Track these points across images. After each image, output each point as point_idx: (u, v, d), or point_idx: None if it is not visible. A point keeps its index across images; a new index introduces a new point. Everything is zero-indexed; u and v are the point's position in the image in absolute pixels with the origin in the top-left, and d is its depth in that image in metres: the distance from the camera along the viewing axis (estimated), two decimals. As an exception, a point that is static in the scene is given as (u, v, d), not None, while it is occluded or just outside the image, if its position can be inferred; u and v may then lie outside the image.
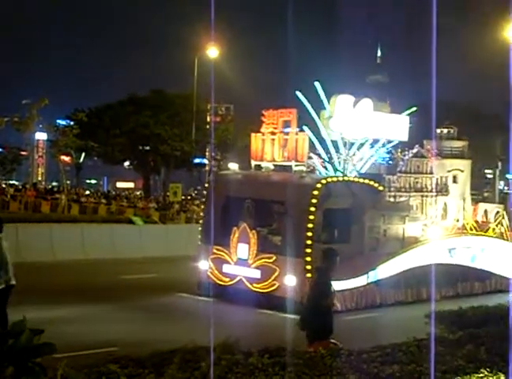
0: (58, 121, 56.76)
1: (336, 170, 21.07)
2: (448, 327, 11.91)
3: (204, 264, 19.97)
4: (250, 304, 17.84)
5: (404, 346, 9.37)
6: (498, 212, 24.31)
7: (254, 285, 18.68)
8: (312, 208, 18.22)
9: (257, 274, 18.69)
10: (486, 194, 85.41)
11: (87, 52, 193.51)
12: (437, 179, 23.99)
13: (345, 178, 19.90)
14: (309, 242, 18.05)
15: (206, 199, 22.17)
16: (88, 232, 27.89)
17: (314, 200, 18.28)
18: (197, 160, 61.63)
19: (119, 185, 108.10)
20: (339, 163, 21.24)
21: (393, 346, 9.44)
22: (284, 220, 19.04)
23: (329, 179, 19.08)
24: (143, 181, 70.50)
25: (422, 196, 23.40)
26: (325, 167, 21.40)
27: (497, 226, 23.61)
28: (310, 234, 18.11)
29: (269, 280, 18.41)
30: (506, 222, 23.71)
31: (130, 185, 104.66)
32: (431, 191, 23.69)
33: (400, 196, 22.39)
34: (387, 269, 19.50)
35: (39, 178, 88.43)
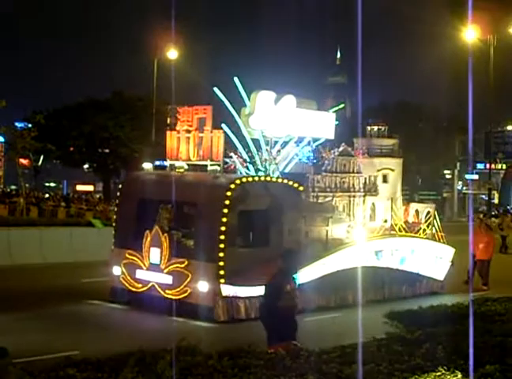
0: (16, 123, 56.11)
1: (257, 169, 20.26)
2: (406, 326, 11.99)
3: (117, 270, 18.92)
4: (163, 311, 17.02)
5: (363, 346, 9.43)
6: (428, 213, 23.10)
7: (167, 291, 17.63)
8: (225, 210, 17.19)
9: (169, 280, 17.62)
10: (445, 195, 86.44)
11: (45, 53, 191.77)
12: (365, 179, 22.75)
13: (262, 178, 18.77)
14: (222, 245, 17.01)
15: (119, 200, 20.76)
16: (46, 235, 27.59)
17: (226, 202, 17.24)
18: (157, 163, 61.30)
19: (79, 188, 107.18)
20: (261, 162, 20.39)
21: (354, 346, 9.49)
22: (197, 223, 18.15)
23: (243, 179, 18.00)
24: (103, 183, 70.05)
25: (349, 196, 22.22)
26: (247, 167, 20.52)
27: (428, 226, 22.64)
28: (222, 237, 17.05)
29: (181, 286, 17.35)
30: (437, 222, 22.84)
31: (90, 188, 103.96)
32: (358, 191, 22.48)
33: (326, 196, 21.22)
34: (309, 273, 18.22)
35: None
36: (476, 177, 79.36)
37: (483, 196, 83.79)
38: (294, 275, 11.64)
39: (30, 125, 52.21)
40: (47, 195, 62.84)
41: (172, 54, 45.40)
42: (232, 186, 17.45)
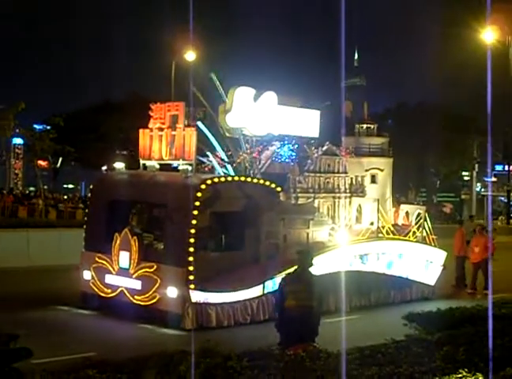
0: (35, 125, 56.41)
1: (236, 170, 19.49)
2: (426, 328, 11.94)
3: (87, 274, 18.15)
4: (131, 318, 16.42)
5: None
6: (419, 215, 22.05)
7: (136, 297, 16.84)
8: (195, 212, 16.29)
9: (138, 285, 16.82)
10: (463, 196, 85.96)
11: (63, 56, 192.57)
12: (351, 179, 21.60)
13: (235, 179, 17.87)
14: (191, 249, 16.18)
15: (89, 201, 20.17)
16: (65, 237, 27.68)
17: (196, 203, 16.35)
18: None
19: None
20: (240, 162, 19.59)
21: (373, 348, 9.47)
22: (166, 225, 17.28)
23: (215, 179, 17.08)
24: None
25: (333, 197, 21.04)
26: (225, 167, 19.73)
27: (418, 229, 21.63)
28: (192, 240, 16.19)
29: (150, 292, 16.54)
30: (428, 224, 21.83)
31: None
32: (344, 192, 21.29)
33: (307, 197, 20.18)
34: None
35: (17, 183, 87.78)
36: (494, 179, 78.97)
37: (502, 197, 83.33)
38: (311, 277, 11.49)
39: (49, 128, 52.54)
40: (65, 196, 63.09)
41: (190, 56, 45.38)
42: (203, 187, 16.62)
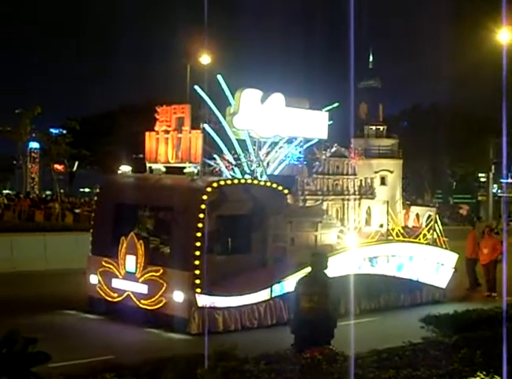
0: (51, 130, 56.67)
1: (244, 172, 19.32)
2: (443, 331, 11.89)
3: (94, 278, 18.01)
4: (138, 322, 16.26)
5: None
6: (429, 216, 21.66)
7: (142, 301, 16.67)
8: (201, 215, 16.01)
9: (144, 289, 16.63)
10: (480, 198, 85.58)
11: (79, 61, 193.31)
12: (360, 181, 21.35)
13: (242, 181, 17.62)
14: (197, 252, 15.91)
15: (96, 205, 20.02)
16: (82, 241, 27.75)
17: (203, 206, 16.05)
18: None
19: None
20: (247, 164, 19.43)
21: (390, 351, 9.45)
22: (172, 229, 17.02)
23: (221, 182, 16.82)
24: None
25: (343, 199, 20.77)
26: (233, 170, 19.56)
27: (428, 231, 21.23)
28: (198, 244, 15.93)
29: (156, 296, 16.34)
30: (438, 226, 21.44)
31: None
32: (353, 194, 21.05)
33: (316, 200, 19.91)
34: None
35: (33, 187, 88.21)
36: (510, 180, 78.48)
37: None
38: (325, 280, 11.44)
39: (65, 132, 52.75)
40: (82, 200, 63.30)
41: (205, 59, 45.45)
42: (209, 190, 16.37)
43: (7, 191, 76.26)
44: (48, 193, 74.64)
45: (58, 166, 55.97)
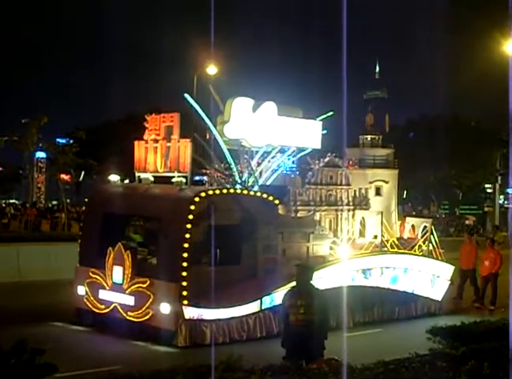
0: (58, 139, 56.83)
1: (235, 182, 18.97)
2: (450, 342, 11.83)
3: (81, 290, 17.62)
4: (125, 334, 15.86)
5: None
6: (425, 228, 21.16)
7: (129, 313, 16.27)
8: (188, 225, 15.69)
9: (131, 301, 16.25)
10: (486, 209, 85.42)
11: (85, 70, 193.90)
12: (355, 191, 20.92)
13: (231, 191, 17.17)
14: (185, 264, 15.57)
15: (84, 215, 19.69)
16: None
17: (190, 216, 15.73)
18: (196, 178, 61.75)
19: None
20: (239, 174, 19.08)
21: (397, 362, 9.40)
22: (160, 239, 16.64)
23: (210, 192, 16.36)
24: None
25: (336, 210, 20.36)
26: (225, 180, 19.29)
27: (424, 242, 20.76)
28: (186, 255, 15.60)
29: (143, 308, 15.96)
30: (434, 238, 20.98)
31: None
32: (347, 204, 20.61)
33: (309, 210, 19.48)
34: None
35: (40, 197, 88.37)
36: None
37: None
38: (311, 291, 11.31)
39: (71, 141, 52.89)
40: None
41: (211, 69, 45.53)
42: (196, 199, 15.97)
43: (13, 201, 76.44)
44: (54, 202, 74.83)
45: (64, 176, 56.09)
